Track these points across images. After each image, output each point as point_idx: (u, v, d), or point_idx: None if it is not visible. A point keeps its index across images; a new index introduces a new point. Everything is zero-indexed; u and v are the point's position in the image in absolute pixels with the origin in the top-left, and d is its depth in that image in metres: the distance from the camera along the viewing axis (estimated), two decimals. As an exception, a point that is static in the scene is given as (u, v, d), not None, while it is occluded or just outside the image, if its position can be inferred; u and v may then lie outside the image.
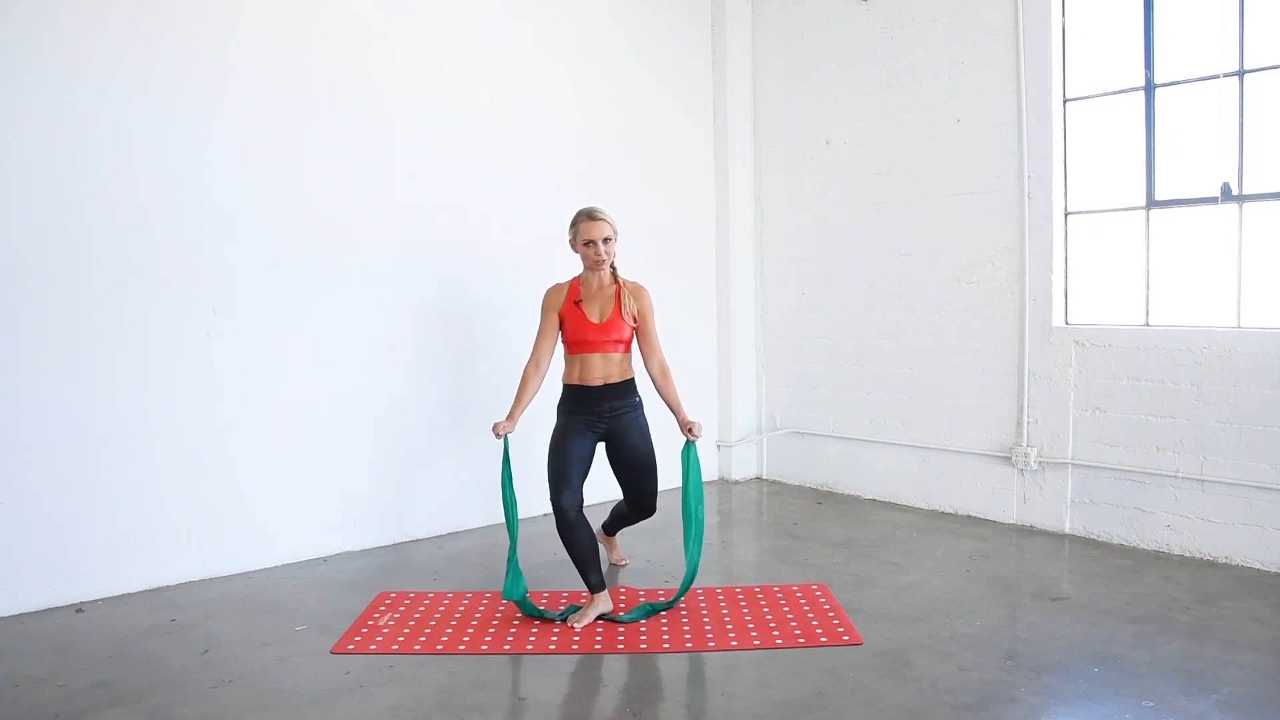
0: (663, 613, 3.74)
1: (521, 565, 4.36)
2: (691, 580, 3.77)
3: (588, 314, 3.81)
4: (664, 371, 3.93)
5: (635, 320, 3.87)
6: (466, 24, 5.05)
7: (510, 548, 3.68)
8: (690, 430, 3.82)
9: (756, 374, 6.27)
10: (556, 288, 3.91)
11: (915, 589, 3.98)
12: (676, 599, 3.78)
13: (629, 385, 3.87)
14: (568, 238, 3.89)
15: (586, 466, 3.78)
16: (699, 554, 3.76)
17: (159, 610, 3.89)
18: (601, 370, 3.80)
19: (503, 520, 3.66)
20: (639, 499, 3.98)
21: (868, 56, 5.51)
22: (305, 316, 4.56)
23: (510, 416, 3.79)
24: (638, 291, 3.89)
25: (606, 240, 3.78)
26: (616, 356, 3.83)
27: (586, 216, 3.81)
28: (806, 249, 5.93)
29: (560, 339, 3.90)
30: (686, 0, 5.99)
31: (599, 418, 3.82)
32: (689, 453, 3.82)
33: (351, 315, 4.70)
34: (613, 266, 3.87)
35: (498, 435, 3.71)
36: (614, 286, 3.86)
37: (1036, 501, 4.89)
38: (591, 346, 3.79)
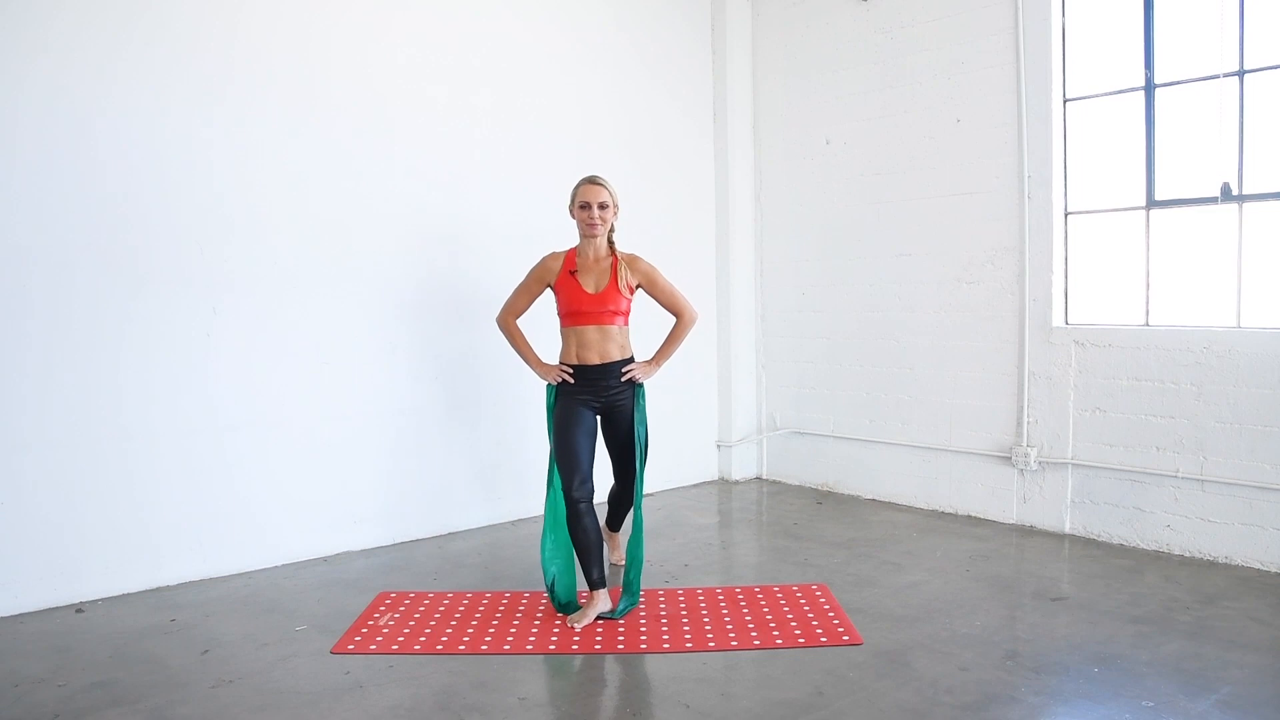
0: (644, 600, 3.78)
1: (518, 566, 4.39)
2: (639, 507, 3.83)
3: (583, 284, 3.79)
4: (692, 318, 3.97)
5: (633, 291, 3.85)
6: (466, 24, 5.05)
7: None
8: (632, 372, 3.83)
9: (756, 374, 6.27)
10: (553, 256, 3.89)
11: (915, 589, 3.98)
12: (637, 530, 3.79)
13: (628, 363, 3.86)
14: (568, 204, 3.89)
15: (593, 449, 3.80)
16: (641, 484, 3.85)
17: (159, 610, 3.89)
18: (598, 346, 3.78)
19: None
20: (629, 474, 3.98)
21: (868, 56, 5.51)
22: (305, 316, 4.56)
23: (538, 361, 3.89)
24: (633, 261, 3.87)
25: (603, 206, 3.76)
26: (613, 329, 3.80)
27: (586, 180, 3.82)
28: (806, 249, 5.92)
29: (556, 311, 3.89)
30: (686, 0, 5.99)
31: (597, 396, 3.81)
32: (638, 394, 3.88)
33: (351, 315, 4.70)
34: (611, 241, 3.87)
35: (559, 377, 3.80)
36: (610, 259, 3.85)
37: (1036, 501, 4.89)
38: (587, 318, 3.77)
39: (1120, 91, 4.57)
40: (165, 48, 4.14)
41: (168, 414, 4.20)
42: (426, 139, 4.91)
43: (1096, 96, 4.67)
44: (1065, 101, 4.75)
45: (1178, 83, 4.39)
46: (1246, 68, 4.14)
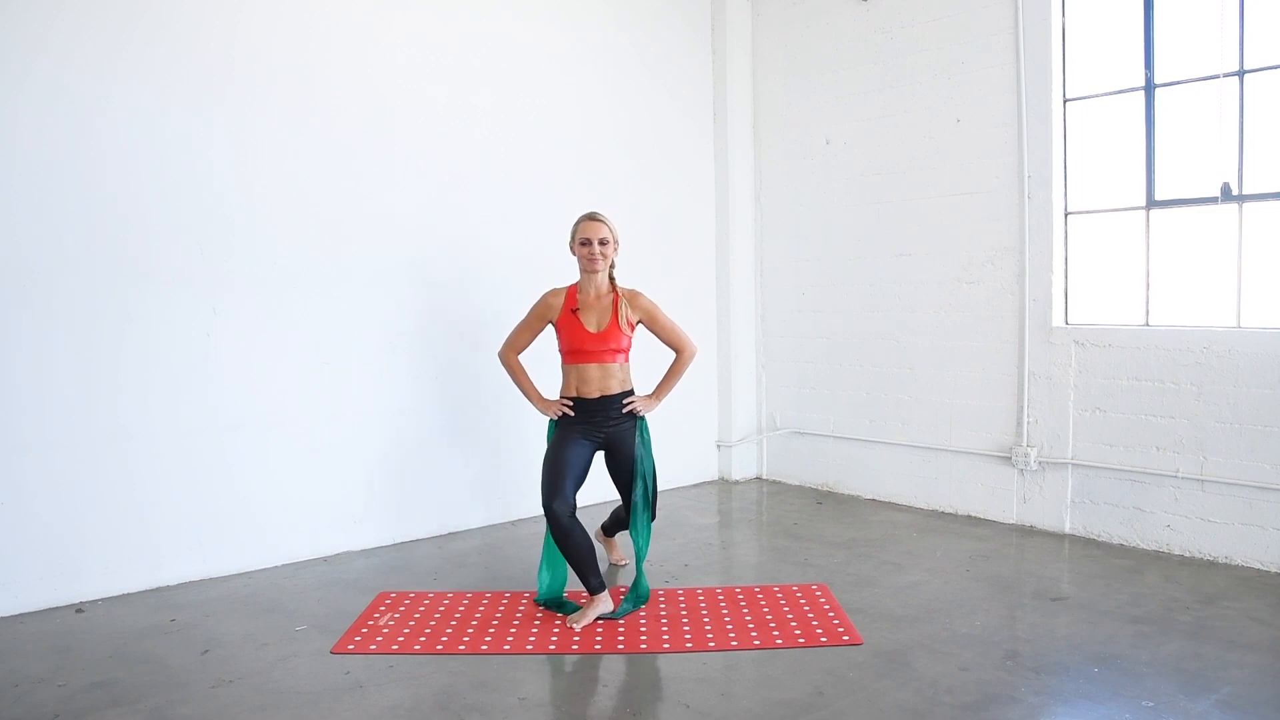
0: (647, 602, 3.81)
1: (518, 566, 4.39)
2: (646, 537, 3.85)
3: (585, 323, 3.79)
4: (692, 354, 3.98)
5: (633, 328, 3.86)
6: (466, 24, 5.05)
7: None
8: (633, 405, 3.85)
9: (756, 374, 6.27)
10: (554, 293, 3.89)
11: (915, 589, 3.98)
12: (641, 553, 3.82)
13: (628, 396, 3.86)
14: (568, 241, 3.89)
15: (581, 475, 3.78)
16: (648, 521, 3.86)
17: (159, 610, 3.89)
18: (599, 382, 3.78)
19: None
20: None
21: (868, 56, 5.51)
22: (305, 316, 4.56)
23: (539, 396, 3.91)
24: (634, 298, 3.87)
25: (603, 242, 3.77)
26: (614, 366, 3.81)
27: (586, 217, 3.83)
28: (806, 249, 5.92)
29: (557, 348, 3.90)
30: (686, 0, 5.99)
31: (597, 428, 3.82)
32: (640, 428, 3.91)
33: (352, 315, 4.70)
34: (611, 277, 3.87)
35: (561, 411, 3.81)
36: (611, 295, 3.85)
37: (1036, 501, 4.89)
38: (589, 356, 3.78)
39: (1120, 91, 4.57)
40: (165, 48, 4.14)
41: (168, 414, 4.20)
42: (426, 139, 4.91)
43: (1096, 96, 4.67)
44: (1065, 101, 4.75)
45: (1178, 83, 4.39)
46: (1246, 68, 4.14)
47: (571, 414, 3.80)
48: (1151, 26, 4.43)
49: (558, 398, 3.87)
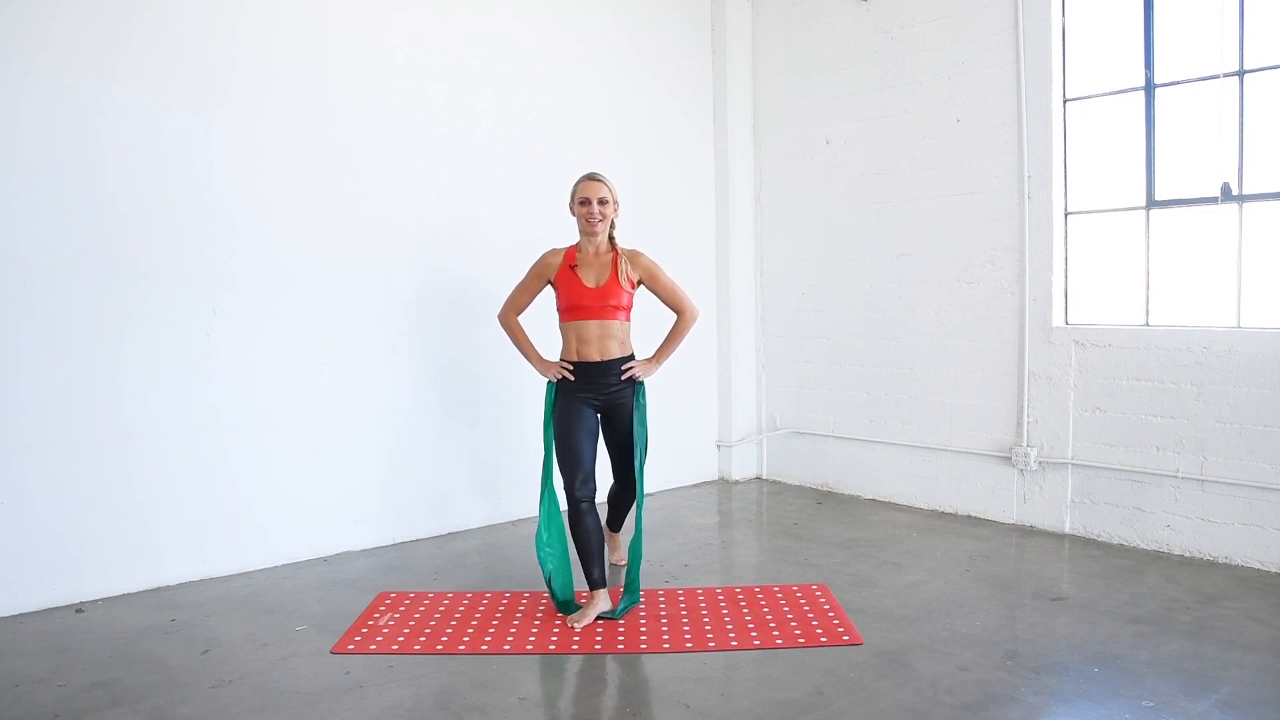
0: (644, 600, 3.81)
1: (518, 566, 4.39)
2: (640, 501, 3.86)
3: (583, 279, 3.78)
4: (693, 316, 3.96)
5: (634, 286, 3.84)
6: (466, 24, 5.05)
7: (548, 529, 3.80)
8: (632, 371, 3.83)
9: (756, 374, 6.27)
10: (554, 251, 3.88)
11: (915, 589, 3.98)
12: (637, 530, 3.80)
13: (628, 361, 3.85)
14: (568, 202, 3.89)
15: (595, 447, 3.79)
16: (642, 475, 3.86)
17: (159, 610, 3.89)
18: (599, 342, 3.76)
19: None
20: (629, 473, 3.97)
21: (868, 56, 5.51)
22: (305, 316, 4.56)
23: (539, 358, 3.90)
24: (634, 256, 3.86)
25: (603, 202, 3.76)
26: (614, 325, 3.78)
27: (585, 177, 3.82)
28: (806, 249, 5.92)
29: (555, 307, 3.88)
30: (686, 0, 5.99)
31: (597, 394, 3.80)
32: (638, 392, 3.88)
33: (352, 315, 4.70)
34: (612, 238, 3.86)
35: (560, 374, 3.79)
36: (611, 254, 3.84)
37: (1036, 501, 4.89)
38: (587, 312, 3.76)
39: (1120, 91, 4.57)
40: (165, 48, 4.14)
41: (168, 414, 4.20)
42: (426, 139, 4.91)
43: (1096, 96, 4.67)
44: (1065, 101, 4.75)
45: (1178, 83, 4.39)
46: (1246, 68, 4.14)
47: (571, 377, 3.79)
48: (1151, 26, 4.43)
49: (559, 360, 3.85)
